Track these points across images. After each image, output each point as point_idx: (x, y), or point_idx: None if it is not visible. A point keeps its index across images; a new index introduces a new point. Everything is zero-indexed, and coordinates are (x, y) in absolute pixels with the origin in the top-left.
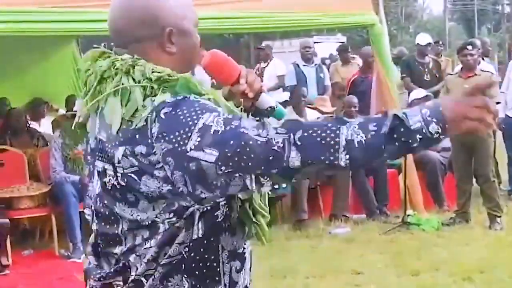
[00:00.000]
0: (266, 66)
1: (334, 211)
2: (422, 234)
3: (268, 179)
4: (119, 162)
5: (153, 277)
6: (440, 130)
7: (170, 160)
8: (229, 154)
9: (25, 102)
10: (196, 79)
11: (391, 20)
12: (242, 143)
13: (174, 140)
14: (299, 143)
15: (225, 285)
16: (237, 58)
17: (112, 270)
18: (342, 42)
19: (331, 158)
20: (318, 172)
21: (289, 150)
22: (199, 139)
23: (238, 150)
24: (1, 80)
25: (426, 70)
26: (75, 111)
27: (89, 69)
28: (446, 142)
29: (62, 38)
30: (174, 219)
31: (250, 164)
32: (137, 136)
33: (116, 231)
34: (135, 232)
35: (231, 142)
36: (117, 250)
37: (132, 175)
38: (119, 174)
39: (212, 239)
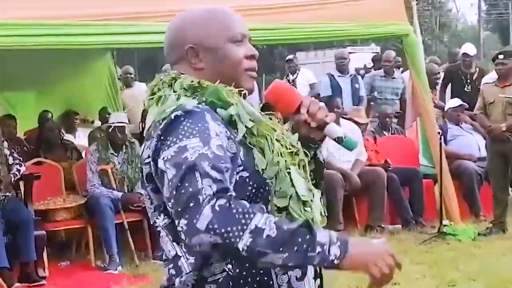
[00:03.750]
0: (296, 78)
1: (369, 221)
2: (458, 245)
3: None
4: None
5: None
6: (339, 256)
7: (155, 158)
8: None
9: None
10: (226, 89)
11: (425, 30)
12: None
13: (164, 142)
14: (217, 209)
15: None
16: (271, 69)
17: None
18: (376, 53)
19: (236, 234)
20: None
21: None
22: (170, 155)
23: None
24: (39, 93)
25: (468, 81)
26: (111, 123)
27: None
28: (483, 152)
29: (97, 50)
30: None
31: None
32: (152, 132)
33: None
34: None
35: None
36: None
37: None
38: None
39: None
